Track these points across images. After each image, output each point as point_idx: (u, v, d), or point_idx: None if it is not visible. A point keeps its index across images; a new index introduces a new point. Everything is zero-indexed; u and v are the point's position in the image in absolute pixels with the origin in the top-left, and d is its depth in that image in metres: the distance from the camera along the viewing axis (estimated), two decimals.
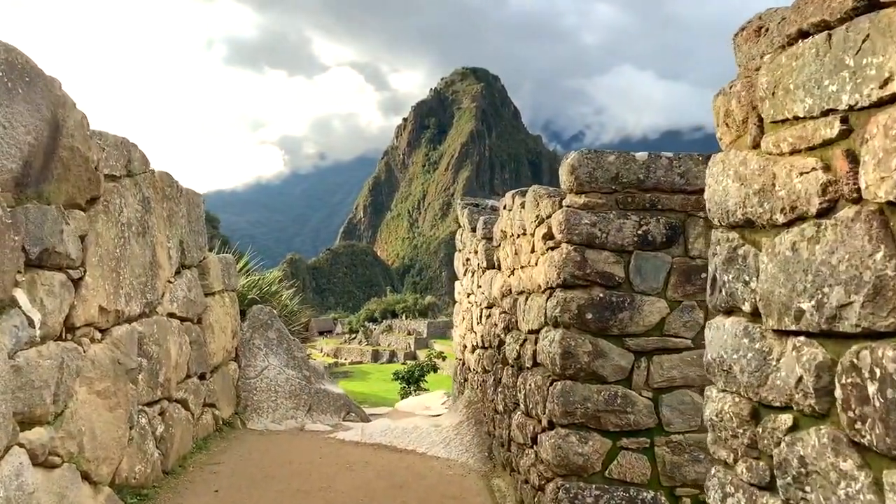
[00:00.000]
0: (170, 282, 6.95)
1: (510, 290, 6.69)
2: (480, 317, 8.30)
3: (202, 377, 7.84)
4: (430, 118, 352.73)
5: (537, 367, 5.59)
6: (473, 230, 9.14)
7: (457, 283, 10.60)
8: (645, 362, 4.96)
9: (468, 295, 9.38)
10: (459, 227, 10.19)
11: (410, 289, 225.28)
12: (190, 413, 7.26)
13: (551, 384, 5.14)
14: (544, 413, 5.22)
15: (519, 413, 5.99)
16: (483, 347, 8.10)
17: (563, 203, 5.17)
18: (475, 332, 8.73)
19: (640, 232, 4.97)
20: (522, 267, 6.13)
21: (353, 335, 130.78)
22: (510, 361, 6.43)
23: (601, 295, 4.92)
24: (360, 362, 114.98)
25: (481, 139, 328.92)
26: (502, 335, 6.85)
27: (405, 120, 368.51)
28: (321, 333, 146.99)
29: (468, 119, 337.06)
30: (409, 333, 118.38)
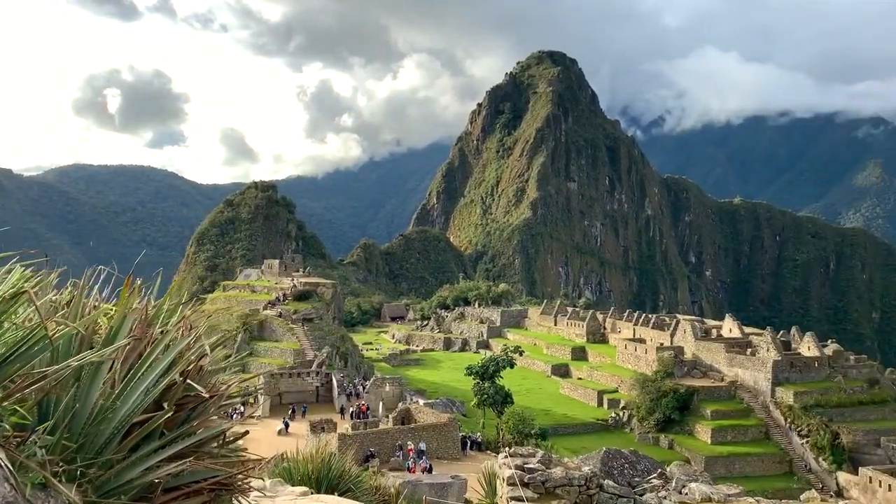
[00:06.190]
0: None
1: None
2: None
3: None
4: (504, 103, 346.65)
5: None
6: None
7: None
8: None
9: None
10: None
11: (483, 276, 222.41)
12: None
13: None
14: None
15: None
16: None
17: None
18: None
19: None
20: None
21: (425, 322, 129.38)
22: None
23: None
24: (432, 350, 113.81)
25: (557, 124, 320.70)
26: None
27: (479, 105, 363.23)
28: (393, 319, 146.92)
29: (544, 104, 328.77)
30: (481, 321, 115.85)
